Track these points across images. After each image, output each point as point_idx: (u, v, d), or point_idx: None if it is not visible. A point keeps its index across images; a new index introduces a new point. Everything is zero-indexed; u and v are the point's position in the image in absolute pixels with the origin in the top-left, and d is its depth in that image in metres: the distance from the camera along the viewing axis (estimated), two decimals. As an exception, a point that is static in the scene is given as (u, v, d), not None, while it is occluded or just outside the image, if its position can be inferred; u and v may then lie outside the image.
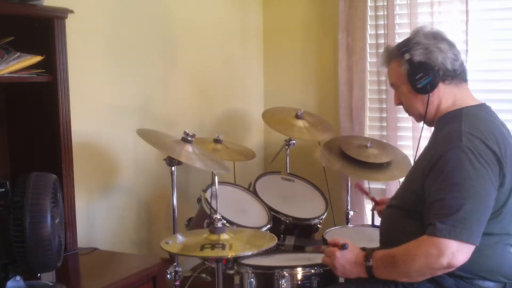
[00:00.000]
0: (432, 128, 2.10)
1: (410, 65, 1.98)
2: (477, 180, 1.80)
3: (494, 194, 1.83)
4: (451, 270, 1.81)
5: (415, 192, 1.94)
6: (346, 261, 1.98)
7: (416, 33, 2.02)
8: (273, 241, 2.00)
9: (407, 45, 2.00)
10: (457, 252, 1.77)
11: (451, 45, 2.00)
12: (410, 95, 2.03)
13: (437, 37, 1.99)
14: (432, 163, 1.87)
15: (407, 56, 1.98)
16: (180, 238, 2.15)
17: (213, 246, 1.91)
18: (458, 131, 1.86)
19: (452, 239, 1.77)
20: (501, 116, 2.04)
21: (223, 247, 1.91)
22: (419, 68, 1.96)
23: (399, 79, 2.04)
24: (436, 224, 1.79)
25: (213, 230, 1.99)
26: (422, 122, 2.10)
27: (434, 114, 2.03)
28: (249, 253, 1.94)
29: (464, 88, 2.02)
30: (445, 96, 1.99)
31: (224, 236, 1.98)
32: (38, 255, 1.67)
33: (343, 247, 1.98)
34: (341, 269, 1.99)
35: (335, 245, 2.02)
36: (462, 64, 2.01)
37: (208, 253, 1.90)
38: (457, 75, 1.99)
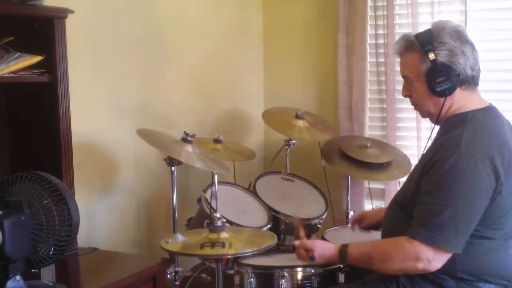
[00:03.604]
0: (433, 128, 2.09)
1: (433, 66, 1.91)
2: (464, 189, 1.81)
3: (481, 205, 1.83)
4: (425, 272, 1.88)
5: (412, 192, 1.95)
6: (320, 262, 2.07)
7: (441, 29, 1.94)
8: (273, 240, 2.00)
9: (431, 42, 1.92)
10: (433, 259, 1.83)
11: (473, 47, 1.95)
12: (424, 94, 1.98)
13: (462, 38, 1.94)
14: (430, 165, 1.88)
15: (431, 56, 1.91)
16: (180, 237, 2.15)
17: (213, 244, 1.90)
18: (459, 137, 1.86)
19: (428, 244, 1.82)
20: (502, 116, 2.04)
21: (222, 245, 1.90)
22: (441, 72, 1.91)
23: (415, 75, 1.98)
24: (417, 227, 1.85)
25: (213, 228, 1.99)
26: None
27: (443, 115, 2.01)
28: (249, 251, 1.93)
29: (475, 91, 2.00)
30: (458, 100, 1.97)
31: (224, 235, 1.97)
32: (73, 240, 1.86)
33: (310, 259, 2.04)
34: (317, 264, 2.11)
35: (305, 249, 2.07)
36: (479, 68, 1.97)
37: (208, 251, 1.89)
38: (474, 81, 1.96)
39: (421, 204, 1.88)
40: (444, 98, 1.95)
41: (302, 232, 2.23)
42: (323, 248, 2.05)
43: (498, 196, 1.83)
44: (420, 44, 1.95)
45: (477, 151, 1.82)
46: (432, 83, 1.93)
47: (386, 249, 1.93)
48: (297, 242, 2.12)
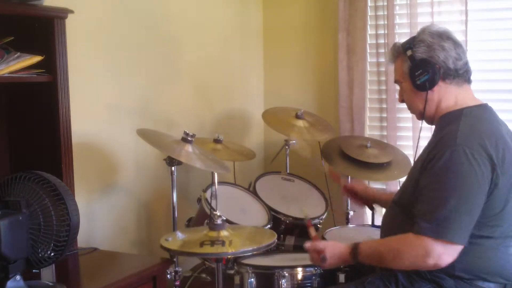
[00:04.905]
0: (433, 128, 2.10)
1: (412, 62, 1.99)
2: (463, 179, 1.81)
3: (482, 196, 1.83)
4: (437, 268, 1.86)
5: (411, 192, 1.95)
6: (332, 263, 2.04)
7: (422, 31, 2.02)
8: (273, 238, 2.00)
9: (410, 42, 2.01)
10: (443, 254, 1.82)
11: (457, 44, 1.99)
12: (411, 92, 2.04)
13: (443, 36, 1.99)
14: (428, 161, 1.89)
15: (409, 52, 1.99)
16: (179, 235, 2.14)
17: (212, 242, 1.90)
18: (455, 131, 1.87)
19: (437, 238, 1.81)
20: (501, 116, 2.04)
21: (222, 243, 1.90)
22: (420, 65, 1.97)
23: (402, 76, 2.06)
24: (421, 223, 1.84)
25: (213, 226, 1.99)
26: (421, 122, 2.10)
27: (433, 112, 2.03)
28: (249, 249, 1.92)
29: (466, 89, 2.02)
30: (446, 96, 1.99)
31: (224, 233, 1.97)
32: (72, 240, 1.86)
33: (322, 260, 2.01)
34: (329, 266, 2.08)
35: (316, 251, 2.05)
36: (466, 64, 2.00)
37: (207, 249, 1.89)
38: (459, 75, 1.99)
39: (422, 198, 1.88)
40: (426, 92, 1.99)
41: (313, 232, 2.20)
42: (334, 247, 2.04)
43: (495, 189, 1.84)
44: (402, 47, 2.04)
45: (473, 143, 1.83)
46: (413, 78, 1.99)
47: (396, 246, 1.91)
48: (308, 244, 2.09)
